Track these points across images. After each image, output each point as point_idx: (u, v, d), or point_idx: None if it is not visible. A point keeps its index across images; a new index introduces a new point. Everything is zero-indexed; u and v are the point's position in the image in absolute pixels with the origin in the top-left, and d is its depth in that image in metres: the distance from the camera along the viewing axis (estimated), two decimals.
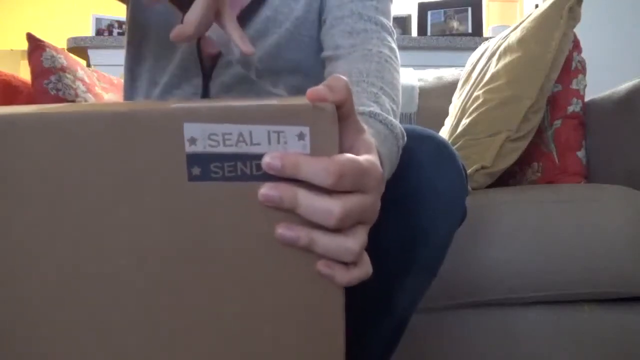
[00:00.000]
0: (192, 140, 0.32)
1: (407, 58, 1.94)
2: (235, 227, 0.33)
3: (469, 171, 0.97)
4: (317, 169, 0.31)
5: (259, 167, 0.32)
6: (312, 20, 0.70)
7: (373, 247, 0.36)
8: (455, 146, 1.04)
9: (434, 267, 0.56)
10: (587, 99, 1.08)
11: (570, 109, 1.05)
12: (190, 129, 0.31)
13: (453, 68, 1.52)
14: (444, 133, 1.21)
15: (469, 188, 0.92)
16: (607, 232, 0.81)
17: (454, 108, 1.24)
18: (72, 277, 0.33)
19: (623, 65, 1.91)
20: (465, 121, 1.07)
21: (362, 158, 0.33)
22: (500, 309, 0.84)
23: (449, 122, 1.23)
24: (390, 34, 0.67)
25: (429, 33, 2.29)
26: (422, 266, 0.55)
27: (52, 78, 1.04)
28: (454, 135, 1.07)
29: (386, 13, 0.69)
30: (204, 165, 0.32)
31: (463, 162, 0.56)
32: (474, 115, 1.05)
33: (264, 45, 0.68)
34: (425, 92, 1.44)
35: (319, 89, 0.32)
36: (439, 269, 0.56)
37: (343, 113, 0.33)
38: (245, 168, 0.32)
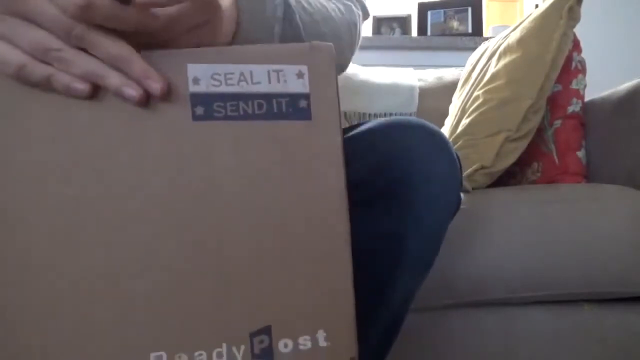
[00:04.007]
0: (196, 80, 0.33)
1: (407, 58, 1.94)
2: (238, 165, 0.34)
3: (468, 171, 0.97)
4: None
5: (260, 105, 0.33)
6: None
7: (364, 238, 0.36)
8: (455, 146, 1.04)
9: (428, 259, 0.54)
10: (587, 99, 1.08)
11: (570, 109, 1.05)
12: (194, 69, 0.33)
13: (453, 68, 1.52)
14: (444, 133, 1.20)
15: (469, 188, 0.92)
16: (607, 232, 0.81)
17: (454, 108, 1.24)
18: (79, 219, 0.33)
19: (623, 65, 1.91)
20: (465, 121, 1.07)
21: None
22: (500, 309, 0.84)
23: (449, 122, 1.23)
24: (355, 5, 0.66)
25: (429, 33, 2.28)
26: (415, 258, 0.52)
27: None
28: (454, 135, 1.07)
29: None
30: (207, 105, 0.33)
31: (457, 152, 0.55)
32: (473, 115, 1.05)
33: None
34: (425, 92, 1.44)
35: None
36: (433, 261, 0.54)
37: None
38: (247, 107, 0.33)
